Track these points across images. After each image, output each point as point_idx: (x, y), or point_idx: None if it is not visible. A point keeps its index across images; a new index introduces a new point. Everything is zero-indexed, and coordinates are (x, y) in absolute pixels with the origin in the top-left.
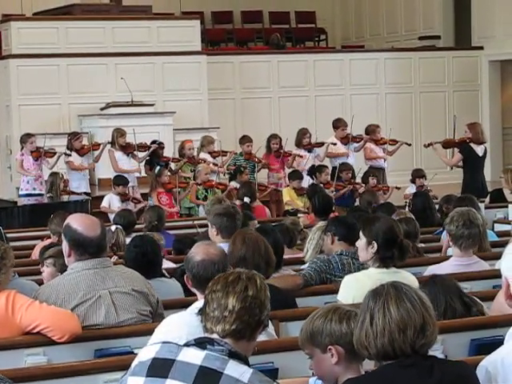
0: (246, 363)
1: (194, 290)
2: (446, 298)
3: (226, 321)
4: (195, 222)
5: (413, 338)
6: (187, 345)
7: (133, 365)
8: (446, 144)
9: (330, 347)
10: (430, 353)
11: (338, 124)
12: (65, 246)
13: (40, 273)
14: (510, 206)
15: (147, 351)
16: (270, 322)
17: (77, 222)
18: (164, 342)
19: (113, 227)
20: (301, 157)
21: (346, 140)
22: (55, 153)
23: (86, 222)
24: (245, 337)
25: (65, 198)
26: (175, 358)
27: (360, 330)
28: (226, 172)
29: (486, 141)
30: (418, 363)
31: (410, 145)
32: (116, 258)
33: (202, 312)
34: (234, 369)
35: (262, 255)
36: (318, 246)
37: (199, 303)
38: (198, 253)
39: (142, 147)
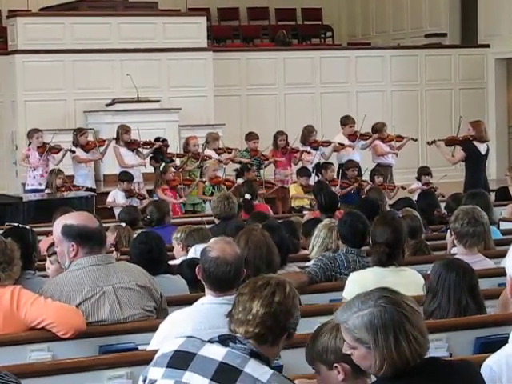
0: (268, 364)
1: (203, 283)
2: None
3: (249, 324)
4: (204, 219)
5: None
6: (211, 341)
7: (156, 356)
8: (449, 142)
9: (335, 365)
10: (435, 351)
11: (347, 121)
12: (67, 247)
13: (45, 268)
14: None
15: (171, 344)
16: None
17: (74, 218)
18: (189, 337)
19: (123, 224)
20: (308, 153)
21: (354, 137)
22: (61, 149)
23: (82, 216)
24: (267, 342)
25: (69, 194)
26: (197, 352)
27: (408, 343)
28: (234, 161)
29: (489, 139)
30: (427, 369)
31: (416, 140)
32: (118, 253)
33: (229, 314)
34: (253, 368)
35: (264, 258)
36: (324, 244)
37: (205, 299)
38: (214, 249)
39: (147, 144)
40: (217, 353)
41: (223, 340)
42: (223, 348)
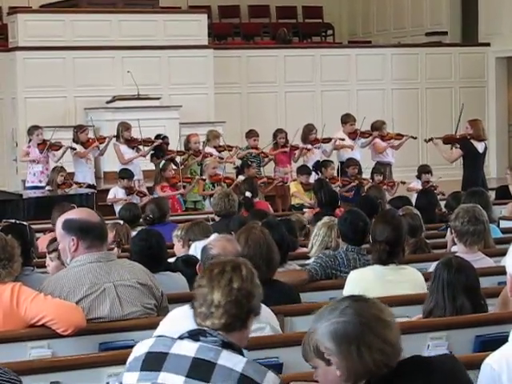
0: (240, 353)
1: None
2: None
3: (214, 316)
4: (209, 216)
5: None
6: (181, 337)
7: (128, 361)
8: (447, 140)
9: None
10: (434, 349)
11: (347, 119)
12: (68, 242)
13: (43, 265)
14: None
15: (141, 346)
16: (275, 316)
17: (75, 213)
18: (158, 336)
19: (121, 222)
20: (308, 150)
21: (354, 135)
22: (61, 146)
23: (83, 211)
24: (235, 328)
25: (69, 190)
26: (168, 351)
27: (372, 355)
28: (239, 158)
29: (486, 138)
30: (405, 370)
31: (415, 138)
32: (119, 251)
33: (192, 307)
34: (227, 359)
35: (263, 257)
36: (324, 243)
37: None
38: (215, 246)
39: (147, 142)
40: (189, 349)
41: (193, 335)
42: (194, 343)
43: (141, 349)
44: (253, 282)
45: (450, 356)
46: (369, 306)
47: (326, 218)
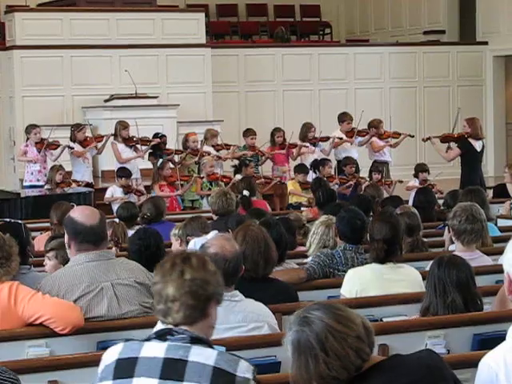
0: (210, 346)
1: None
2: (446, 287)
3: (172, 311)
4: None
5: (366, 337)
6: (148, 339)
7: (99, 370)
8: (445, 138)
9: None
10: (433, 348)
11: (344, 118)
12: (66, 238)
13: (42, 265)
14: None
15: (110, 353)
16: (273, 315)
17: (76, 211)
18: (126, 340)
19: (116, 220)
20: (306, 147)
21: (352, 134)
22: (59, 145)
23: (84, 211)
24: (197, 319)
25: (68, 189)
26: (138, 355)
27: (316, 368)
28: (234, 156)
29: (484, 136)
30: (383, 368)
31: (413, 136)
32: (117, 250)
33: (152, 306)
34: (198, 354)
35: (262, 253)
36: (322, 241)
37: None
38: (213, 245)
39: (145, 141)
40: (158, 350)
41: (160, 335)
42: (163, 343)
43: (110, 356)
44: (205, 269)
45: (433, 352)
46: (329, 316)
47: (323, 217)
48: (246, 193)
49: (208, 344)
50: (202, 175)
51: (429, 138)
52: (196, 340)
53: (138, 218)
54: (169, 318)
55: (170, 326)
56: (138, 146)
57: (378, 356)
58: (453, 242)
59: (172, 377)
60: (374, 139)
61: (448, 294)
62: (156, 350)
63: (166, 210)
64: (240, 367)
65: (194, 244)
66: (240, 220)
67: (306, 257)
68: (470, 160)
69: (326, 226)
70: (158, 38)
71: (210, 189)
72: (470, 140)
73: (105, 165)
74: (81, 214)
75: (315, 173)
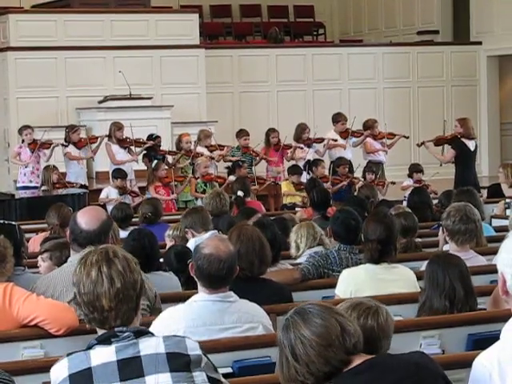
0: (152, 334)
1: (196, 280)
2: (445, 276)
3: (110, 319)
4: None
5: (342, 344)
6: (90, 347)
7: None
8: (438, 142)
9: None
10: (427, 348)
11: (338, 118)
12: (68, 238)
13: (35, 266)
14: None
15: (59, 371)
16: (267, 315)
17: (81, 214)
18: (68, 355)
19: None
20: (301, 148)
21: (346, 134)
22: (51, 144)
23: (86, 214)
24: (133, 317)
25: (62, 190)
26: (90, 365)
27: (288, 370)
28: (225, 160)
29: (476, 136)
30: (371, 364)
31: (407, 137)
32: None
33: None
34: (146, 346)
35: (257, 252)
36: (310, 239)
37: (198, 296)
38: (208, 245)
39: (139, 143)
40: (108, 355)
41: (103, 340)
42: (109, 347)
43: (59, 373)
44: (131, 269)
45: (422, 352)
46: (305, 321)
47: (298, 225)
48: (240, 193)
49: (150, 333)
50: (196, 176)
51: (423, 143)
52: (139, 333)
53: (138, 219)
54: (106, 325)
55: (111, 331)
56: (132, 148)
57: (367, 355)
58: (447, 242)
59: (132, 376)
60: (369, 140)
61: (447, 285)
62: (105, 355)
63: (162, 212)
64: (189, 346)
65: (195, 243)
66: (231, 222)
67: (295, 259)
68: (464, 160)
69: (306, 226)
70: (151, 39)
71: (204, 190)
72: (463, 140)
73: (99, 166)
74: (84, 216)
75: (309, 173)
